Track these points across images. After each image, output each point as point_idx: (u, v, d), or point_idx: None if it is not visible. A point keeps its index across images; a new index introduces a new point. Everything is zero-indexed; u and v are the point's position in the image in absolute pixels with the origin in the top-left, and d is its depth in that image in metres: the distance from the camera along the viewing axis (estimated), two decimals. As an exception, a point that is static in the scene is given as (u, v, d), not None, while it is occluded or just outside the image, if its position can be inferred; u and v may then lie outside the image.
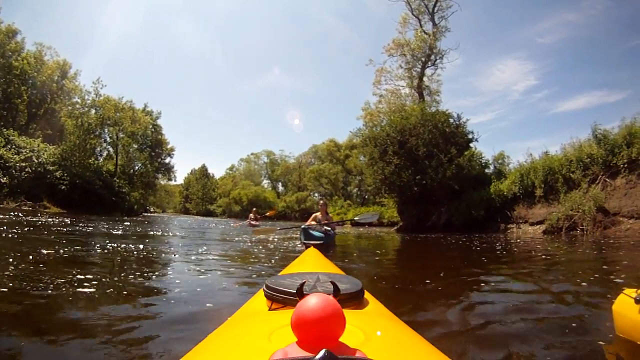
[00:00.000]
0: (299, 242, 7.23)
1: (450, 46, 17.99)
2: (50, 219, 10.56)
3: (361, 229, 18.30)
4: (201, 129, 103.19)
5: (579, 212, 10.18)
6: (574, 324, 1.90)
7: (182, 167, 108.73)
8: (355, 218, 7.72)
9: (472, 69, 59.85)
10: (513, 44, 57.42)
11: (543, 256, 5.49)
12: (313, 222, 7.05)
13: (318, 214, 7.36)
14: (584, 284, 2.97)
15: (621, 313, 1.59)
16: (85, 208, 20.81)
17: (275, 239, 8.08)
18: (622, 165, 10.16)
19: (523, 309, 2.26)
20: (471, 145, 14.70)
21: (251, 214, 14.30)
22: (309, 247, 6.20)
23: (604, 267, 4.25)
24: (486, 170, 13.61)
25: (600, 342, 1.64)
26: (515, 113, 64.12)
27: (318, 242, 6.08)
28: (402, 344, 0.75)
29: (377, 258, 5.53)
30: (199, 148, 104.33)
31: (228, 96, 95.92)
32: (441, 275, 3.60)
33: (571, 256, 5.78)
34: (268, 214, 14.00)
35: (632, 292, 1.56)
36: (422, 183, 12.50)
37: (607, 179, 10.45)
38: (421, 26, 17.96)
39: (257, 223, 13.03)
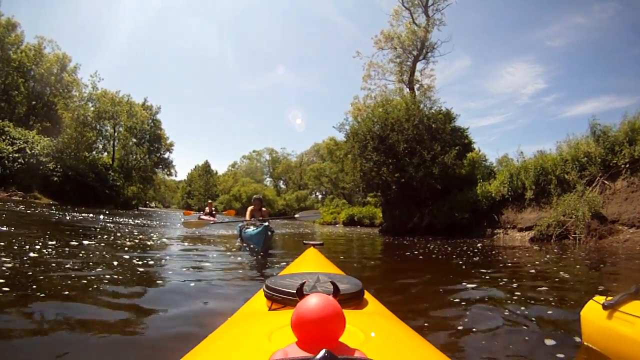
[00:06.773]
0: (238, 239, 6.72)
1: (444, 40, 16.77)
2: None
3: (347, 229, 17.49)
4: (206, 125, 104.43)
5: (572, 218, 9.04)
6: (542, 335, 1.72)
7: (186, 164, 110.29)
8: (296, 215, 7.86)
9: (481, 70, 58.52)
10: (523, 47, 56.12)
11: (527, 271, 4.46)
12: (251, 218, 6.70)
13: (251, 207, 7.04)
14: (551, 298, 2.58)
15: (588, 319, 1.54)
16: (78, 200, 20.86)
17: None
18: (623, 166, 8.99)
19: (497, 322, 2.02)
20: (474, 146, 13.67)
21: (207, 207, 12.03)
22: (249, 244, 5.65)
23: (591, 286, 3.39)
24: (476, 171, 12.41)
25: (565, 351, 1.55)
26: (524, 116, 62.69)
27: (260, 239, 5.60)
28: (402, 344, 0.75)
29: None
30: (203, 144, 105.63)
31: (233, 93, 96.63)
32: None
33: (557, 269, 4.66)
34: (225, 213, 12.69)
35: (601, 299, 1.51)
36: (400, 181, 11.50)
37: (605, 181, 9.27)
38: (413, 19, 17.01)
39: (211, 219, 10.31)
